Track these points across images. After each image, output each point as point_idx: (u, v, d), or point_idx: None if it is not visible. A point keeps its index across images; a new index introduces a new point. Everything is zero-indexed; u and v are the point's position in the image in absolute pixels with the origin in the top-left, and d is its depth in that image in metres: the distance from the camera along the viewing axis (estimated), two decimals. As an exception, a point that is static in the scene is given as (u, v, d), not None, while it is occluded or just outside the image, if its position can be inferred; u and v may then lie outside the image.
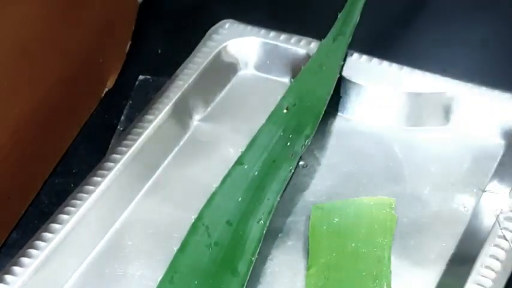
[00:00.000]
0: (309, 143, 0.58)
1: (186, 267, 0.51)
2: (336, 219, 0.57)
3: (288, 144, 0.58)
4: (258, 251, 0.52)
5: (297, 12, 0.76)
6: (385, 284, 0.52)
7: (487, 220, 0.55)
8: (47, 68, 0.58)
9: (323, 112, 0.60)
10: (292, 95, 0.61)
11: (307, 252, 0.54)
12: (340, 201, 0.58)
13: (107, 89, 0.68)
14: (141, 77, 0.69)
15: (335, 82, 0.62)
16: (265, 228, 0.53)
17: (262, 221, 0.53)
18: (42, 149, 0.59)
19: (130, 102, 0.67)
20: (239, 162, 0.57)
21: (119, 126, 0.65)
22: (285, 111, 0.60)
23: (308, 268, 0.54)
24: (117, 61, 0.69)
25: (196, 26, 0.73)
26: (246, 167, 0.57)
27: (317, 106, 0.60)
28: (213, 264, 0.51)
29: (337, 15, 0.65)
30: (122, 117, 0.66)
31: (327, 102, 0.60)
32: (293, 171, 0.57)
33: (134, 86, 0.68)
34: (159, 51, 0.72)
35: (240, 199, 0.55)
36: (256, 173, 0.56)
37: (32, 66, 0.57)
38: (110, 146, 0.62)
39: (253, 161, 0.57)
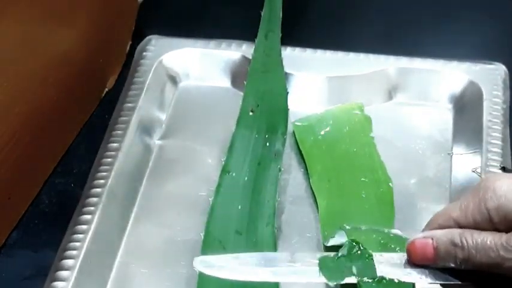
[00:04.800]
0: (286, 140, 0.60)
1: (213, 284, 0.50)
2: (319, 131, 0.61)
3: (267, 144, 0.59)
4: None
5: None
6: (381, 172, 0.58)
7: (467, 178, 0.58)
8: (47, 68, 0.59)
9: (288, 107, 0.61)
10: (252, 97, 0.63)
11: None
12: (316, 114, 0.63)
13: (107, 89, 0.68)
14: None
15: (284, 76, 0.64)
16: (276, 230, 0.53)
17: (270, 224, 0.53)
18: (42, 149, 0.60)
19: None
20: (225, 171, 0.58)
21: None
22: (250, 113, 0.61)
23: (310, 177, 0.58)
24: (117, 61, 0.69)
25: (196, 26, 0.73)
26: (234, 174, 0.57)
27: (280, 102, 0.62)
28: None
29: (260, 14, 0.66)
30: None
31: (287, 96, 0.62)
32: (282, 169, 0.57)
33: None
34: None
35: (239, 207, 0.55)
36: (246, 178, 0.57)
37: (32, 66, 0.57)
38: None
39: (239, 168, 0.58)
